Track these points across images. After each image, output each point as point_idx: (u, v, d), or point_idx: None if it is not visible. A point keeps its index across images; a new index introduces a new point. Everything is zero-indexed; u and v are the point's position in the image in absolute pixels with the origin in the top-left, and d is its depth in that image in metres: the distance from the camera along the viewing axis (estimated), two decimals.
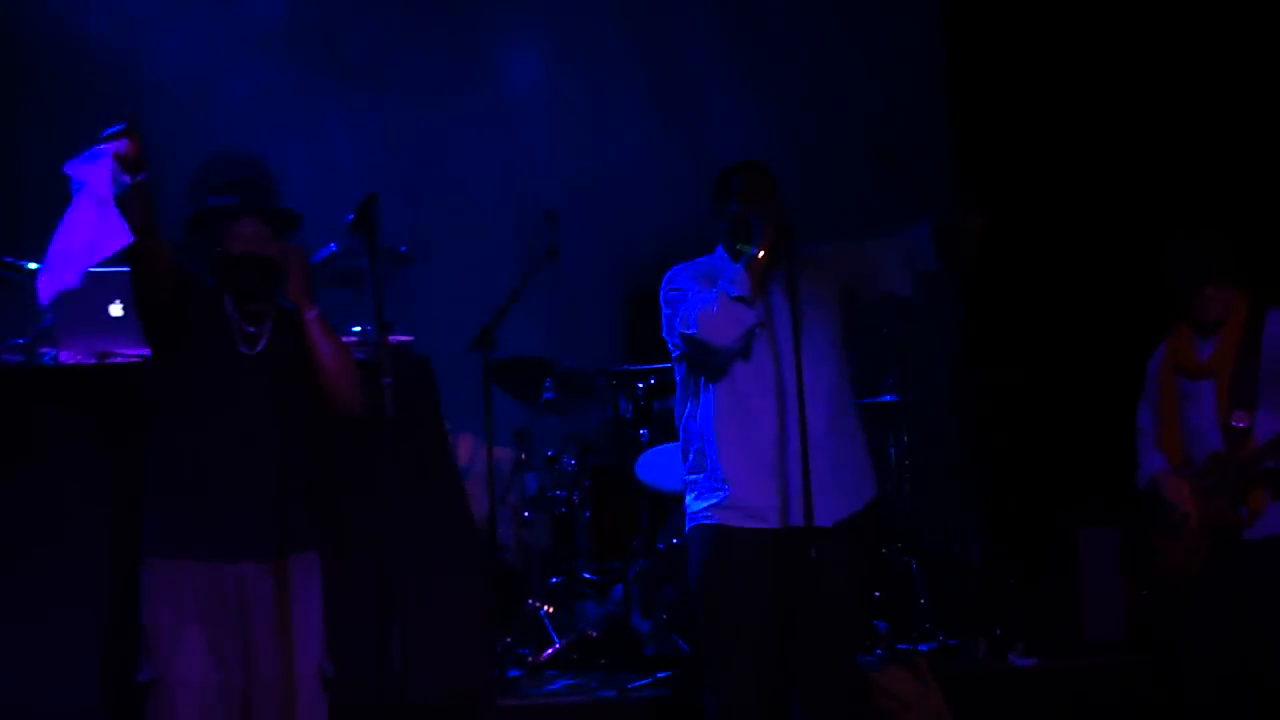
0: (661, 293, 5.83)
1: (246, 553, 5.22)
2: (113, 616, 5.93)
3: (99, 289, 6.42)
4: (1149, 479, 6.29)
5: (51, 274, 5.05)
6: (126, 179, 4.99)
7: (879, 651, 7.56)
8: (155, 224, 5.08)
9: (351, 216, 5.46)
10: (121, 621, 5.66)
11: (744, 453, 5.65)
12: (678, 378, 5.93)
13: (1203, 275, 6.19)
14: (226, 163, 7.05)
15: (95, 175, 4.98)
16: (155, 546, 5.23)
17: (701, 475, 5.75)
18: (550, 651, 7.67)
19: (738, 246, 5.71)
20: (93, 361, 6.36)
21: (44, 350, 6.50)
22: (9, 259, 7.00)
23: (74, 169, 5.00)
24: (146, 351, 6.13)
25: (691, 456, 5.81)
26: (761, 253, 5.59)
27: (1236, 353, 6.16)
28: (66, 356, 6.39)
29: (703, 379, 5.74)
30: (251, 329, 5.35)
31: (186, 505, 5.22)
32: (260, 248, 5.32)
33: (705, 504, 5.71)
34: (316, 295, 5.36)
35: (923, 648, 7.71)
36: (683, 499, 5.89)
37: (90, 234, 4.99)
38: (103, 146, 4.99)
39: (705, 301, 5.60)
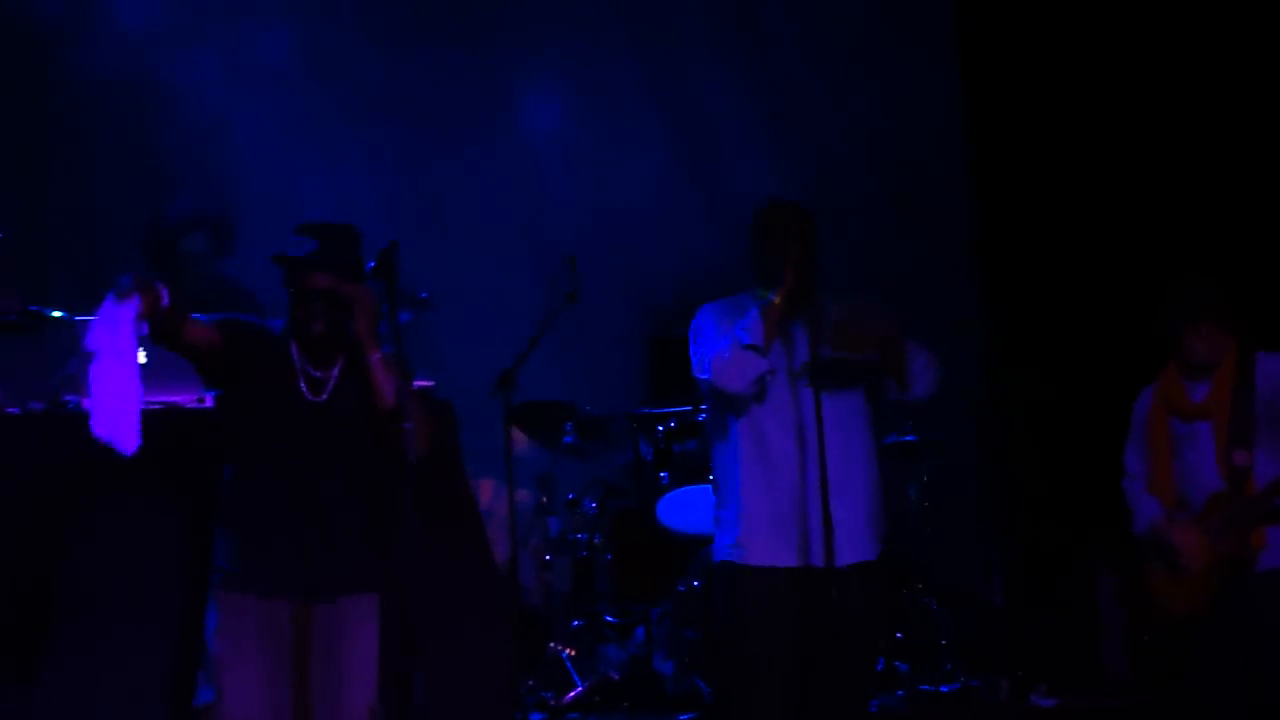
0: (690, 331, 5.86)
1: (305, 592, 5.28)
2: (158, 651, 6.00)
3: None
4: (1149, 524, 6.32)
5: (113, 431, 5.14)
6: (145, 328, 5.07)
7: (900, 693, 7.56)
8: (187, 323, 5.18)
9: (373, 264, 5.50)
10: (174, 653, 5.77)
11: (765, 492, 5.66)
12: (705, 416, 5.96)
13: (1196, 317, 6.26)
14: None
15: (116, 337, 5.05)
16: (220, 581, 5.31)
17: (726, 512, 5.78)
18: (573, 694, 7.68)
19: (758, 290, 5.73)
20: None
21: (68, 397, 6.54)
22: (34, 308, 7.04)
23: (95, 341, 5.06)
24: (169, 397, 6.20)
25: (718, 494, 5.84)
26: (778, 299, 5.60)
27: (1232, 394, 6.22)
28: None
29: (729, 417, 5.76)
30: (318, 374, 5.38)
31: (249, 543, 5.29)
32: (332, 286, 5.33)
33: (729, 541, 5.74)
34: (381, 337, 5.38)
35: (945, 689, 7.70)
36: (703, 541, 5.90)
37: (125, 386, 5.08)
38: (117, 311, 5.05)
39: (719, 346, 5.63)
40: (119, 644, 6.06)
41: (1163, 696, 6.97)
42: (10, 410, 6.46)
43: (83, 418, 6.31)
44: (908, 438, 8.35)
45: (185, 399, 6.29)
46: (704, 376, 5.70)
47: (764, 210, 5.83)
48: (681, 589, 7.75)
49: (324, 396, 5.36)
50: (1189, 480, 6.29)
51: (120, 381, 5.08)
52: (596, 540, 8.38)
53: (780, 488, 5.64)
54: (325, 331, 5.33)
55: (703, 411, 7.93)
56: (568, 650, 7.91)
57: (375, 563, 5.42)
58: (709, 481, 7.71)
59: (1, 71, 9.27)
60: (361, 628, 5.37)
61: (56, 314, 7.01)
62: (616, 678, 7.77)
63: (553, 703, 7.64)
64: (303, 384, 5.35)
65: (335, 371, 5.40)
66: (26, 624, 6.06)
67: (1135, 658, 7.72)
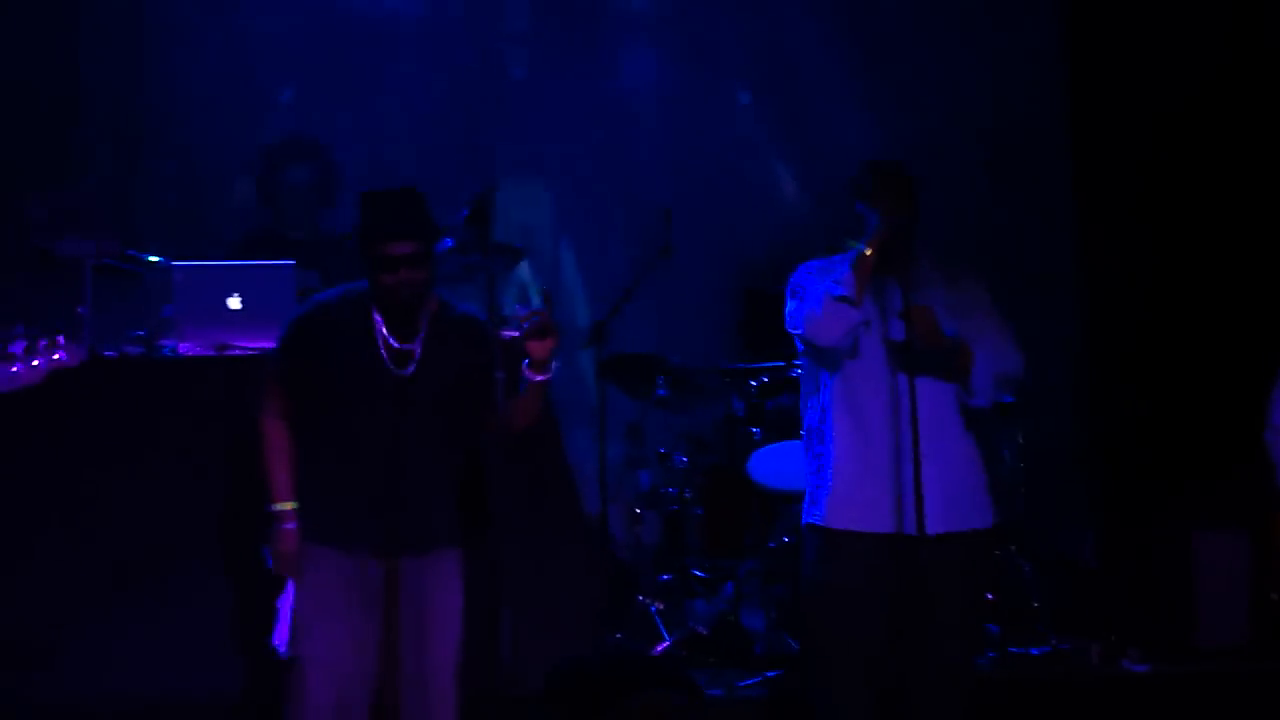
0: (788, 287, 5.81)
1: (390, 548, 5.26)
2: (240, 600, 6.05)
3: (218, 282, 6.50)
4: None
5: None
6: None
7: (991, 654, 7.51)
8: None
9: (466, 212, 5.49)
10: (253, 605, 5.81)
11: (857, 454, 5.61)
12: (800, 374, 5.92)
13: None
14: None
15: None
16: (303, 533, 5.34)
17: (817, 473, 5.73)
18: (660, 648, 7.66)
19: (849, 243, 5.67)
20: (212, 353, 6.43)
21: (164, 342, 6.59)
22: (131, 252, 7.10)
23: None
24: (264, 343, 6.22)
25: (810, 453, 5.79)
26: (869, 251, 5.55)
27: None
28: (186, 348, 6.47)
29: (824, 375, 5.72)
30: (401, 346, 5.34)
31: (331, 499, 5.31)
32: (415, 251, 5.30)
33: (819, 502, 5.69)
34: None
35: (1035, 651, 7.64)
36: (794, 498, 5.85)
37: None
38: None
39: (813, 300, 5.58)
40: (191, 590, 6.13)
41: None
42: (107, 353, 6.52)
43: (177, 363, 6.44)
44: (1004, 398, 8.26)
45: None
46: (798, 331, 5.66)
47: (863, 169, 5.77)
48: (771, 545, 7.72)
49: (409, 370, 5.33)
50: None
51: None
52: (687, 495, 8.35)
53: (873, 450, 5.59)
54: (411, 297, 5.30)
55: (796, 368, 7.88)
56: (656, 604, 7.90)
57: (459, 519, 5.44)
58: (800, 438, 7.69)
59: (95, 18, 9.34)
60: (447, 583, 5.38)
61: (153, 259, 7.08)
62: (704, 633, 7.74)
63: None
64: (385, 356, 5.32)
65: (419, 345, 5.36)
66: (106, 567, 6.14)
67: (1255, 620, 7.62)
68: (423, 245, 5.28)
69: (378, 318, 5.34)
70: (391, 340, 5.33)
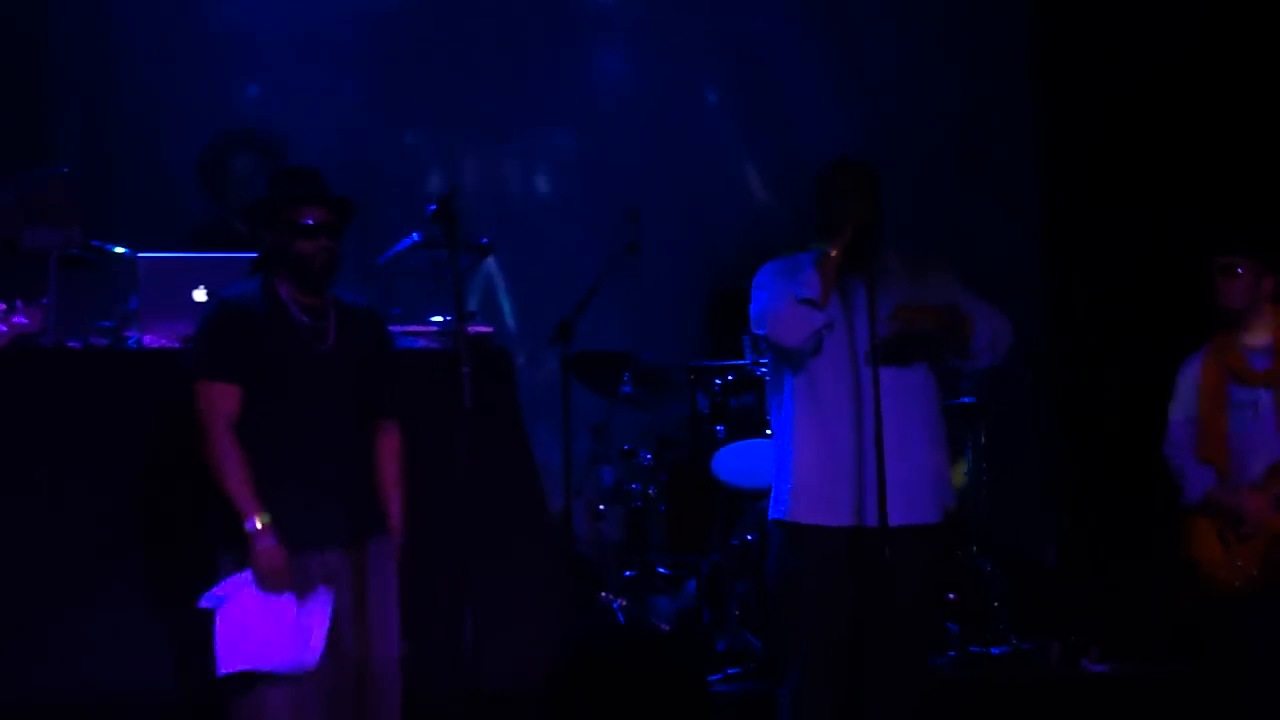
0: (752, 286, 5.83)
1: (329, 540, 5.30)
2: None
3: (183, 274, 6.49)
4: (1204, 491, 6.25)
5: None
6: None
7: (951, 653, 7.54)
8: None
9: (434, 207, 5.51)
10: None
11: (821, 450, 5.64)
12: (765, 372, 5.94)
13: (1228, 265, 6.26)
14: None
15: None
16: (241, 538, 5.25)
17: (781, 469, 5.76)
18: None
19: (811, 243, 5.70)
20: (177, 345, 6.42)
21: (129, 334, 6.57)
22: (96, 243, 7.07)
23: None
24: None
25: (775, 450, 5.82)
26: (834, 252, 5.57)
27: None
28: (150, 340, 6.46)
29: (786, 372, 5.74)
30: (313, 323, 5.38)
31: (284, 496, 5.25)
32: (331, 242, 5.35)
33: (783, 498, 5.72)
34: None
35: (995, 650, 7.67)
36: (757, 496, 5.88)
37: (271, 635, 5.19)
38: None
39: (777, 301, 5.60)
40: (154, 585, 6.12)
41: (1206, 670, 6.91)
42: (72, 344, 6.51)
43: (143, 355, 6.42)
44: (965, 399, 8.30)
45: None
46: (761, 331, 5.68)
47: (828, 169, 5.80)
48: (735, 543, 7.74)
49: (328, 344, 5.37)
50: (1246, 448, 6.22)
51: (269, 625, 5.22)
52: (651, 491, 8.37)
53: (835, 446, 5.62)
54: (325, 266, 5.35)
55: (761, 366, 7.90)
56: (619, 600, 7.92)
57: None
58: (765, 436, 7.71)
59: (67, 9, 9.32)
60: (384, 569, 5.41)
61: (119, 249, 7.05)
62: (667, 629, 7.77)
63: None
64: (310, 334, 5.36)
65: (331, 321, 5.40)
66: (87, 556, 6.12)
67: (1174, 628, 7.67)
68: (335, 215, 5.36)
69: (288, 301, 5.36)
70: (306, 320, 5.37)
